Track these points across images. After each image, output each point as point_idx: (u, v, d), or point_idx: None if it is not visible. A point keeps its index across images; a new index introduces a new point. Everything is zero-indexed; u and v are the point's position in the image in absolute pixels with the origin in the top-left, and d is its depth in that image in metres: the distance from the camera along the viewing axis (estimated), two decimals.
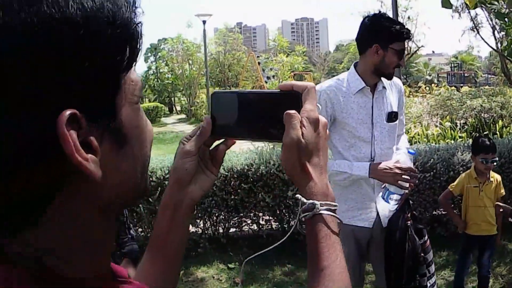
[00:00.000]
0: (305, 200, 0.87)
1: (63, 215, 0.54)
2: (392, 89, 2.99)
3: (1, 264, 0.54)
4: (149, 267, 0.94)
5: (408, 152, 2.87)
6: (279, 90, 0.90)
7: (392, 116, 2.94)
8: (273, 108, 0.88)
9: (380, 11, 2.90)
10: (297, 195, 0.89)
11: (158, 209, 3.50)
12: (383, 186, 2.85)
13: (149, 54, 37.50)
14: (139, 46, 0.57)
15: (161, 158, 5.73)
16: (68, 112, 0.49)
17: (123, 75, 0.56)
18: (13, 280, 0.52)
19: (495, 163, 4.16)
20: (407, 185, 2.72)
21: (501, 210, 3.99)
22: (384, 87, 2.93)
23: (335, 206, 0.88)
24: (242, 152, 5.98)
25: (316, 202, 0.86)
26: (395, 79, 2.99)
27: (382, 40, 2.77)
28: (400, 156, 2.89)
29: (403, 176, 2.70)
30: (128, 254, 2.77)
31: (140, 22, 0.57)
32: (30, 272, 0.53)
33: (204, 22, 21.35)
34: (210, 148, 0.97)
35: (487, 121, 13.02)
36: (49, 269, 0.54)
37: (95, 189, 0.55)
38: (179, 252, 0.97)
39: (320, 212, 0.86)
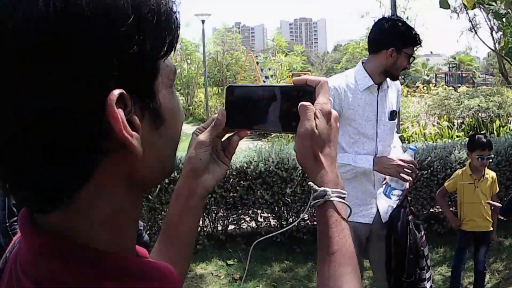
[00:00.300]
0: (316, 188, 0.90)
1: (99, 191, 0.57)
2: (392, 89, 3.05)
3: (36, 234, 0.58)
4: (160, 255, 0.95)
5: (409, 148, 2.91)
6: (293, 84, 0.94)
7: (393, 115, 3.02)
8: (287, 101, 0.93)
9: (394, 14, 2.95)
10: (310, 183, 0.93)
11: (157, 206, 3.56)
12: (384, 182, 2.91)
13: None
14: (178, 34, 0.62)
15: None
16: (117, 91, 0.53)
17: (162, 60, 0.60)
18: (47, 246, 0.57)
19: (490, 160, 4.21)
20: (408, 178, 2.77)
21: (491, 208, 4.04)
22: (388, 86, 2.99)
23: (345, 194, 0.92)
24: (241, 149, 5.98)
25: (327, 189, 0.89)
26: None
27: (398, 44, 2.84)
28: (399, 152, 2.95)
29: (405, 169, 2.75)
30: (143, 244, 2.85)
31: (178, 11, 0.62)
32: (63, 241, 0.57)
33: (203, 21, 21.28)
34: (222, 140, 1.00)
35: (484, 120, 13.07)
36: (83, 243, 0.57)
37: (132, 167, 0.59)
38: (190, 241, 1.01)
39: (331, 199, 0.90)
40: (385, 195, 2.82)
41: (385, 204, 2.97)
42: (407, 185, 2.83)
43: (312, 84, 0.92)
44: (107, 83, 0.53)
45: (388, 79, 2.98)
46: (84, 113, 0.52)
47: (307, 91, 0.92)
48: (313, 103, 0.90)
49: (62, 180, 0.55)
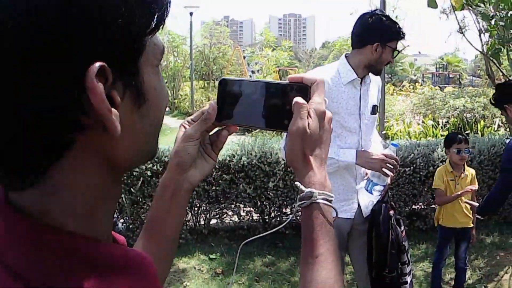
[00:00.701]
0: (303, 188, 0.89)
1: (74, 171, 0.55)
2: (373, 83, 3.06)
3: (11, 213, 0.55)
4: (143, 250, 0.90)
5: (392, 144, 2.92)
6: (288, 82, 0.92)
7: (375, 109, 3.03)
8: (281, 98, 0.91)
9: (377, 9, 2.95)
10: (296, 183, 0.91)
11: (140, 200, 3.54)
12: (366, 177, 2.90)
13: None
14: (166, 11, 0.60)
15: None
16: (98, 64, 0.51)
17: (149, 37, 0.58)
18: (21, 228, 0.54)
19: (469, 154, 4.24)
20: (390, 173, 2.77)
21: (469, 207, 4.05)
22: (370, 80, 2.99)
23: (332, 197, 0.90)
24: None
25: (314, 190, 0.88)
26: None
27: (383, 39, 2.84)
28: (379, 145, 2.95)
29: (387, 164, 2.75)
30: (118, 233, 2.80)
31: None
32: (37, 224, 0.54)
33: (191, 14, 21.22)
34: (210, 134, 0.98)
35: (469, 120, 13.19)
36: (53, 224, 0.55)
37: (109, 146, 0.57)
38: (175, 237, 0.98)
39: (317, 201, 0.88)
40: (367, 190, 2.82)
41: (367, 199, 2.98)
42: (388, 180, 2.83)
43: (308, 82, 0.90)
44: (89, 55, 0.51)
45: (370, 73, 2.98)
46: (62, 84, 0.50)
47: (303, 89, 0.90)
48: (307, 102, 0.88)
49: (34, 154, 0.53)
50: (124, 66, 0.55)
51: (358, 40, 2.92)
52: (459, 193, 3.88)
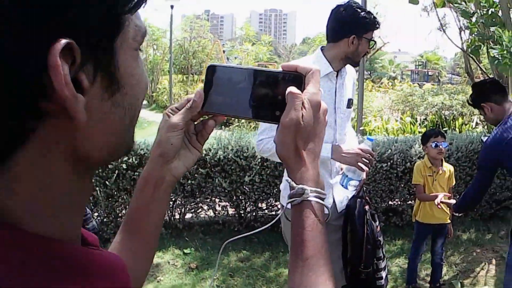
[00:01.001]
0: (294, 184, 0.82)
1: (35, 163, 0.49)
2: (349, 76, 3.01)
3: None
4: (122, 248, 0.87)
5: (367, 138, 2.89)
6: (281, 70, 0.86)
7: (350, 103, 2.98)
8: (273, 87, 0.85)
9: (350, 0, 2.89)
10: (287, 178, 0.85)
11: (115, 193, 3.49)
12: (341, 172, 2.85)
13: None
14: None
15: None
16: (64, 40, 0.44)
17: (127, 16, 0.52)
18: None
19: (446, 147, 4.24)
20: (365, 168, 2.72)
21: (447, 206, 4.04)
22: (346, 74, 2.94)
23: (325, 194, 0.85)
24: None
25: (306, 187, 0.82)
26: (350, 67, 3.01)
27: (359, 31, 2.79)
28: (353, 140, 2.91)
29: (363, 159, 2.70)
30: (92, 230, 2.81)
31: None
32: None
33: (172, 6, 21.09)
34: (196, 123, 0.92)
35: (447, 118, 13.30)
36: (10, 221, 0.48)
37: (74, 136, 0.50)
38: (156, 232, 0.92)
39: (309, 198, 0.82)
40: (342, 185, 2.77)
41: (342, 194, 2.94)
42: (364, 175, 2.78)
43: (302, 71, 0.83)
44: (54, 29, 0.44)
45: (346, 67, 2.93)
46: (21, 61, 0.43)
47: (297, 78, 0.83)
48: (302, 92, 0.81)
49: None
50: (96, 46, 0.48)
51: (334, 33, 2.87)
52: (439, 197, 3.84)
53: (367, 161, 2.72)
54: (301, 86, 0.82)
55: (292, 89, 0.81)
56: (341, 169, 2.87)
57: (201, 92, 0.87)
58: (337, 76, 2.89)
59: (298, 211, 0.82)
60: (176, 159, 0.89)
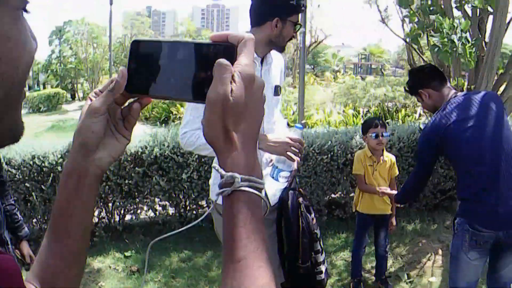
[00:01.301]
0: (224, 172, 0.69)
1: None
2: (276, 63, 2.89)
3: None
4: (49, 253, 0.78)
5: (296, 126, 2.77)
6: (211, 41, 0.74)
7: (278, 90, 2.87)
8: (201, 61, 0.73)
9: None
10: (214, 165, 0.72)
11: (52, 198, 3.33)
12: (270, 164, 2.72)
13: (54, 37, 35.92)
14: None
15: (53, 142, 5.36)
16: None
17: None
18: None
19: (388, 137, 4.20)
20: (296, 158, 2.60)
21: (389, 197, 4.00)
22: (272, 60, 2.82)
23: (261, 183, 0.71)
24: (136, 134, 5.74)
25: (236, 175, 0.68)
26: (277, 53, 2.90)
27: (283, 13, 2.68)
28: (284, 127, 2.80)
29: (292, 148, 2.58)
30: (25, 236, 2.80)
31: None
32: None
33: (111, 2, 20.67)
34: (122, 107, 0.80)
35: (390, 109, 13.51)
36: None
37: None
38: (85, 232, 0.81)
39: (241, 188, 0.69)
40: (272, 177, 2.63)
41: (273, 187, 2.79)
42: (295, 165, 2.66)
43: (233, 41, 0.72)
44: None
45: (272, 53, 2.82)
46: None
47: (227, 49, 0.72)
48: (232, 64, 0.69)
49: None
50: None
51: (257, 16, 2.75)
52: (380, 191, 3.79)
53: (297, 150, 2.60)
54: (233, 57, 0.71)
55: (220, 60, 0.69)
56: (271, 160, 2.74)
57: (125, 72, 0.76)
58: (262, 62, 2.78)
59: (228, 204, 0.70)
60: (101, 149, 0.78)
